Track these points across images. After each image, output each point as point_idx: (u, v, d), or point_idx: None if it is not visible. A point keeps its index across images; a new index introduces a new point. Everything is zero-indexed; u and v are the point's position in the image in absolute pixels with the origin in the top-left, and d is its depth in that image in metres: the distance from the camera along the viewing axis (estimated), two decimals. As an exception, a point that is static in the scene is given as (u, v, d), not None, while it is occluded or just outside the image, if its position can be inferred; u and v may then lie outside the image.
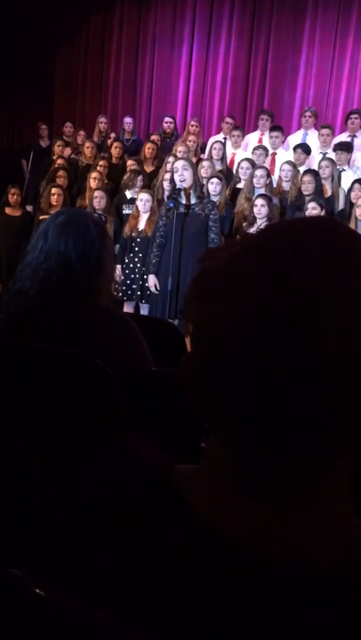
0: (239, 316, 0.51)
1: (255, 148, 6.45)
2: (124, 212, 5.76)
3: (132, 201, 5.62)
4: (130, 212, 5.57)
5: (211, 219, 4.64)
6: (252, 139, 7.17)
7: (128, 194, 5.80)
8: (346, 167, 6.15)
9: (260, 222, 5.09)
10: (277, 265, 0.51)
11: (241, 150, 6.94)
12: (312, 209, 5.04)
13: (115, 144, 7.02)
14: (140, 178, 5.79)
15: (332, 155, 6.20)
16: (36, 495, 1.43)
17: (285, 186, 5.82)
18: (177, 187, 4.64)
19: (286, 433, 0.51)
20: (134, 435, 0.68)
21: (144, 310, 5.20)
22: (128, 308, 5.25)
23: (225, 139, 7.06)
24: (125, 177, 5.89)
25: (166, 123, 7.56)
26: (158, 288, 4.79)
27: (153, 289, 4.84)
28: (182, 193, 4.64)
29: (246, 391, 0.51)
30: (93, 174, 5.97)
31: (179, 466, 0.61)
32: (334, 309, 0.49)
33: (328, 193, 5.76)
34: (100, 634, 0.47)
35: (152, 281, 4.83)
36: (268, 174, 5.70)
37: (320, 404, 0.49)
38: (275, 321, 0.49)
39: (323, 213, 4.98)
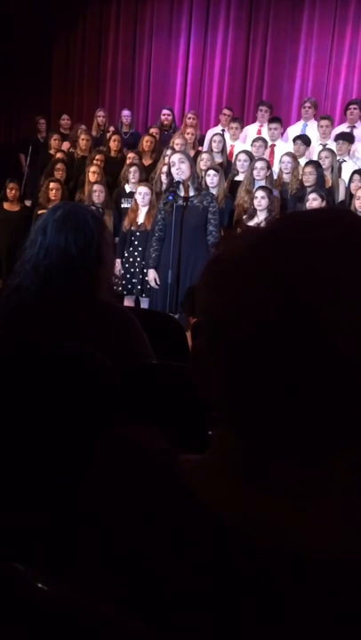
0: (254, 303, 0.50)
1: (254, 140, 6.41)
2: (122, 205, 5.74)
3: (132, 195, 5.60)
4: (129, 205, 5.55)
5: (210, 211, 4.62)
6: (251, 130, 7.14)
7: (127, 187, 5.78)
8: (346, 158, 6.12)
9: (261, 214, 5.07)
10: (293, 253, 0.51)
11: (240, 142, 6.90)
12: (313, 200, 5.02)
13: (113, 137, 6.98)
14: (133, 169, 5.76)
15: (332, 145, 6.17)
16: (37, 488, 1.44)
17: (286, 177, 5.81)
18: (175, 179, 4.62)
19: (299, 423, 0.50)
20: (137, 426, 0.68)
21: (144, 304, 5.19)
22: (128, 302, 5.24)
23: (223, 130, 7.03)
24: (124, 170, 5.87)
25: (164, 115, 7.51)
26: (158, 282, 4.78)
27: (153, 283, 4.83)
28: (181, 186, 4.62)
29: (260, 381, 0.50)
30: (92, 169, 5.94)
31: (182, 456, 0.61)
32: (350, 298, 0.49)
33: (328, 184, 5.74)
34: (102, 627, 0.48)
35: (152, 275, 4.82)
36: (269, 166, 5.68)
37: (334, 394, 0.49)
38: (290, 309, 0.49)
39: (323, 204, 4.96)
